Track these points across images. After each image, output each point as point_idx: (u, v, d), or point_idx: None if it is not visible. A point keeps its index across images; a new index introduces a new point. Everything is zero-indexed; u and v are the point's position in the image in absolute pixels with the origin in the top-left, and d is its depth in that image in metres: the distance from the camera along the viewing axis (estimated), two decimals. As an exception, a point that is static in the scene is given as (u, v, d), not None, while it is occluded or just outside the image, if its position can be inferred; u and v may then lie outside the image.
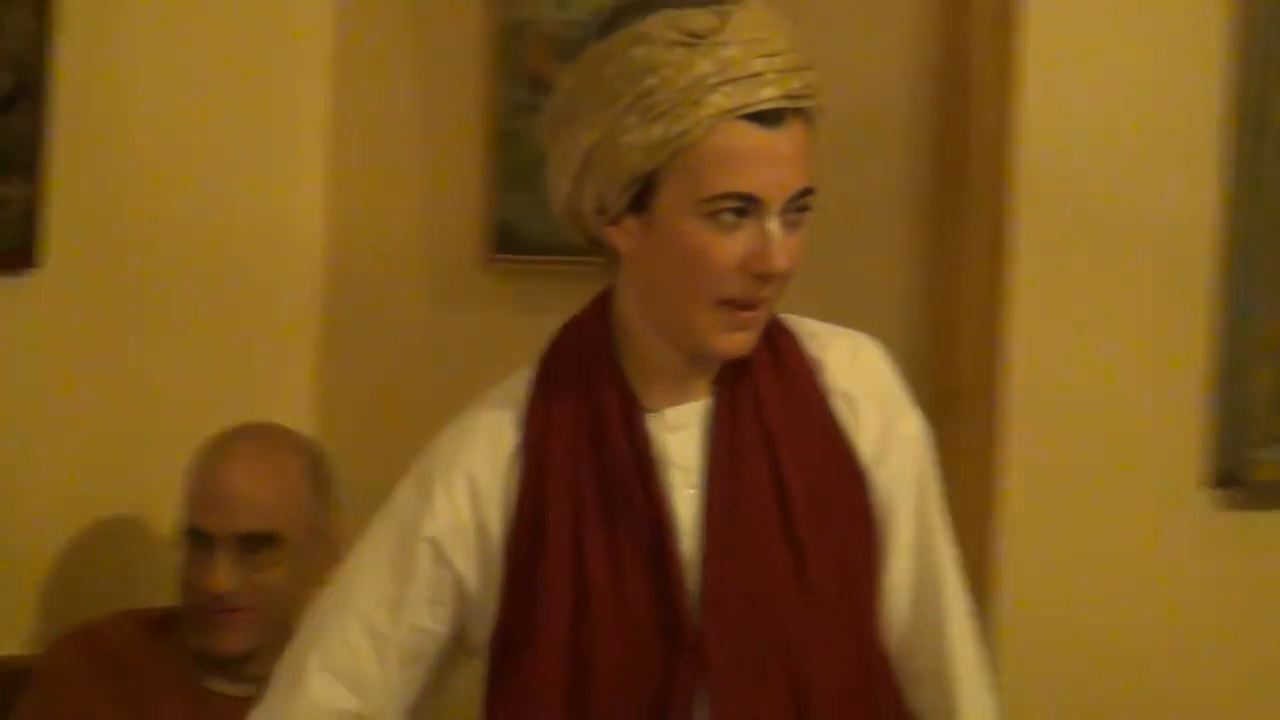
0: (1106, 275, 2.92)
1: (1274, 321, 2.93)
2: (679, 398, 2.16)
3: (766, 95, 2.03)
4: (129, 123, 3.15)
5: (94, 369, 3.12)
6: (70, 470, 3.07)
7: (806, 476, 2.17)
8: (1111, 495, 2.85)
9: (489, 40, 3.22)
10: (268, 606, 2.80)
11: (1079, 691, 2.82)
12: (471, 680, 2.22)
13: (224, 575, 2.78)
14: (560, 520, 2.14)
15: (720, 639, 2.11)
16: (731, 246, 2.05)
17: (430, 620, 2.17)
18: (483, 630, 2.16)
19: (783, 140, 2.05)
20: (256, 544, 2.79)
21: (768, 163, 2.05)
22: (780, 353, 2.20)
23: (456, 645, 2.20)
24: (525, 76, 3.22)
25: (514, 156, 3.20)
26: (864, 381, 2.23)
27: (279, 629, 2.72)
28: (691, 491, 2.14)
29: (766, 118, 2.03)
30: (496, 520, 2.16)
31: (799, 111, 2.06)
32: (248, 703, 2.40)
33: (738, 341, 2.10)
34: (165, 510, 2.88)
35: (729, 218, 2.04)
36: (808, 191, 2.05)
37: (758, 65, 2.05)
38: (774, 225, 2.04)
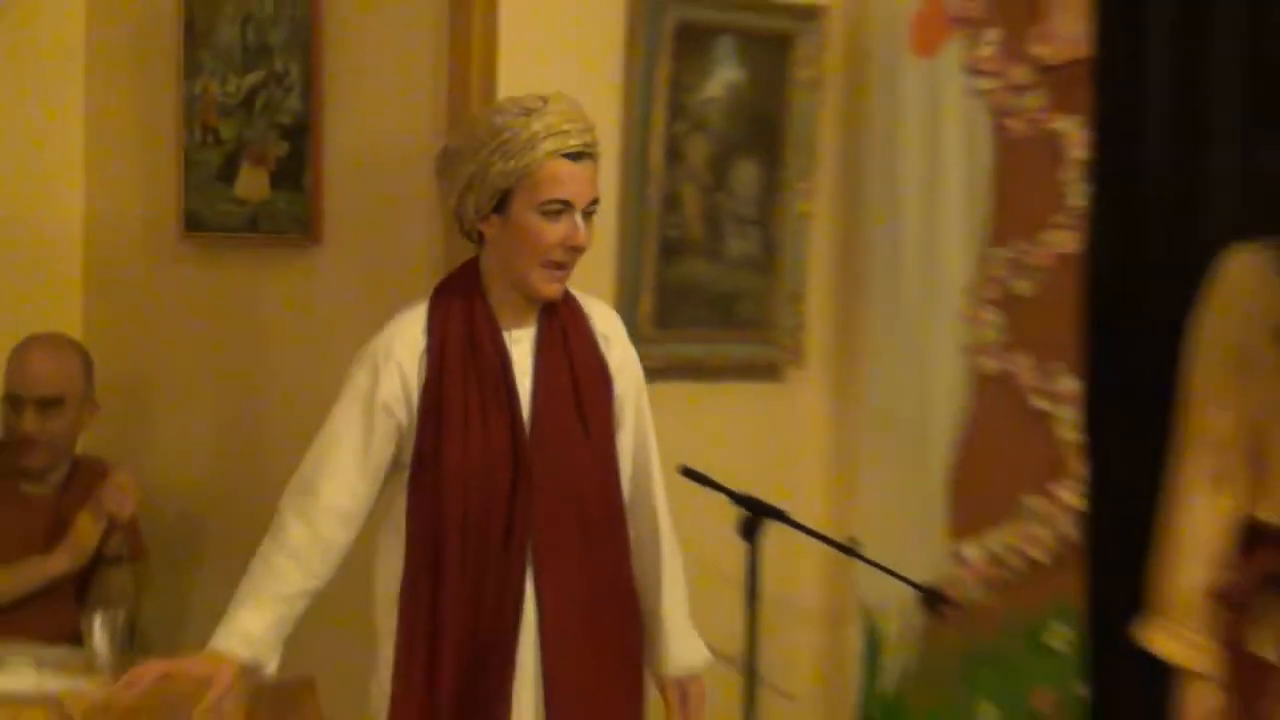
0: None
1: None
2: (520, 324, 2.61)
3: (573, 143, 2.53)
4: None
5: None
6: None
7: (585, 375, 2.62)
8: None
9: (179, 105, 3.68)
10: (55, 441, 3.54)
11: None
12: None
13: (30, 422, 3.50)
14: (453, 389, 2.54)
15: (541, 463, 2.57)
16: (555, 231, 2.53)
17: (387, 447, 2.59)
18: (408, 453, 2.60)
19: (583, 170, 2.54)
20: (49, 403, 3.51)
21: (575, 182, 2.54)
22: (572, 306, 2.65)
23: (394, 463, 2.60)
24: (200, 124, 3.68)
25: (199, 171, 3.67)
26: (611, 329, 2.70)
27: (62, 454, 3.56)
28: (526, 380, 2.59)
29: (575, 156, 2.53)
30: (416, 390, 2.57)
31: (590, 154, 2.55)
32: (45, 499, 3.41)
33: (555, 289, 2.57)
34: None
35: (554, 212, 2.51)
36: (596, 200, 2.56)
37: (568, 126, 2.54)
38: (579, 219, 2.54)
